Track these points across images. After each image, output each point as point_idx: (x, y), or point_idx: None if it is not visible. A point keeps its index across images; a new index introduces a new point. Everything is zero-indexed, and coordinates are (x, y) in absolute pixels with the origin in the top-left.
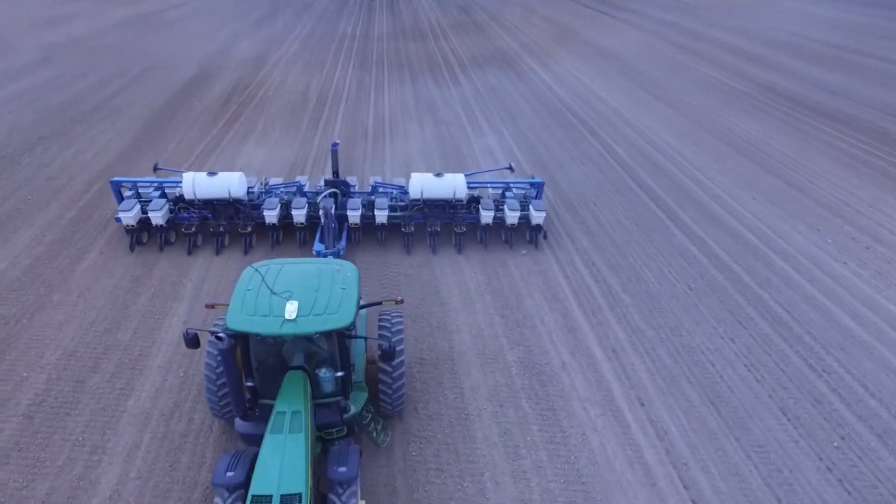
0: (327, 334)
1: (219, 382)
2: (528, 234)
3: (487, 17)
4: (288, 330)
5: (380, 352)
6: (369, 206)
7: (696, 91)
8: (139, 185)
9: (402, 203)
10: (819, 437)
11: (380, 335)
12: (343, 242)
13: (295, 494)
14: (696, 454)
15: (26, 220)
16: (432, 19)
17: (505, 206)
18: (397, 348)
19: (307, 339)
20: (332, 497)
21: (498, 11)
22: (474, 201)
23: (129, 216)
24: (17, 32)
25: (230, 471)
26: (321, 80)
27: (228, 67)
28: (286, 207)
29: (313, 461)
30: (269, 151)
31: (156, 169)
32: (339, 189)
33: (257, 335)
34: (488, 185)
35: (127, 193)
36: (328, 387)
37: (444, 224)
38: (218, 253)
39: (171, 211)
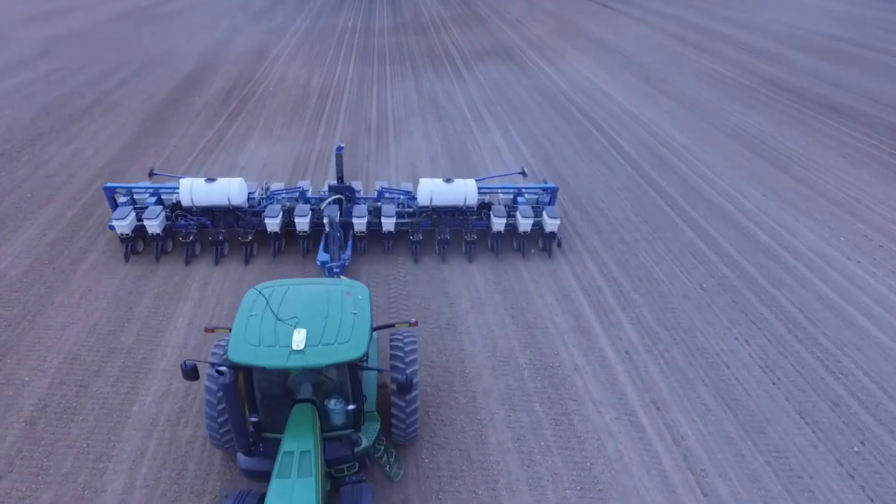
0: (338, 366)
1: (220, 420)
2: (541, 241)
3: (489, 10)
4: (295, 363)
5: (394, 385)
6: (376, 213)
7: (698, 84)
8: (134, 191)
9: (410, 209)
10: (839, 441)
11: (392, 365)
12: (349, 252)
13: None
14: (714, 460)
15: (26, 219)
16: (433, 12)
17: (517, 213)
18: (414, 380)
19: (316, 370)
20: None
21: (499, 4)
22: (485, 207)
23: (124, 224)
24: (15, 25)
25: None
26: (322, 75)
27: (228, 61)
28: (288, 214)
29: None
30: (272, 148)
31: (151, 174)
32: (344, 195)
33: (262, 368)
34: (499, 190)
35: (121, 200)
36: (338, 419)
37: (454, 231)
38: (217, 263)
39: (167, 218)
